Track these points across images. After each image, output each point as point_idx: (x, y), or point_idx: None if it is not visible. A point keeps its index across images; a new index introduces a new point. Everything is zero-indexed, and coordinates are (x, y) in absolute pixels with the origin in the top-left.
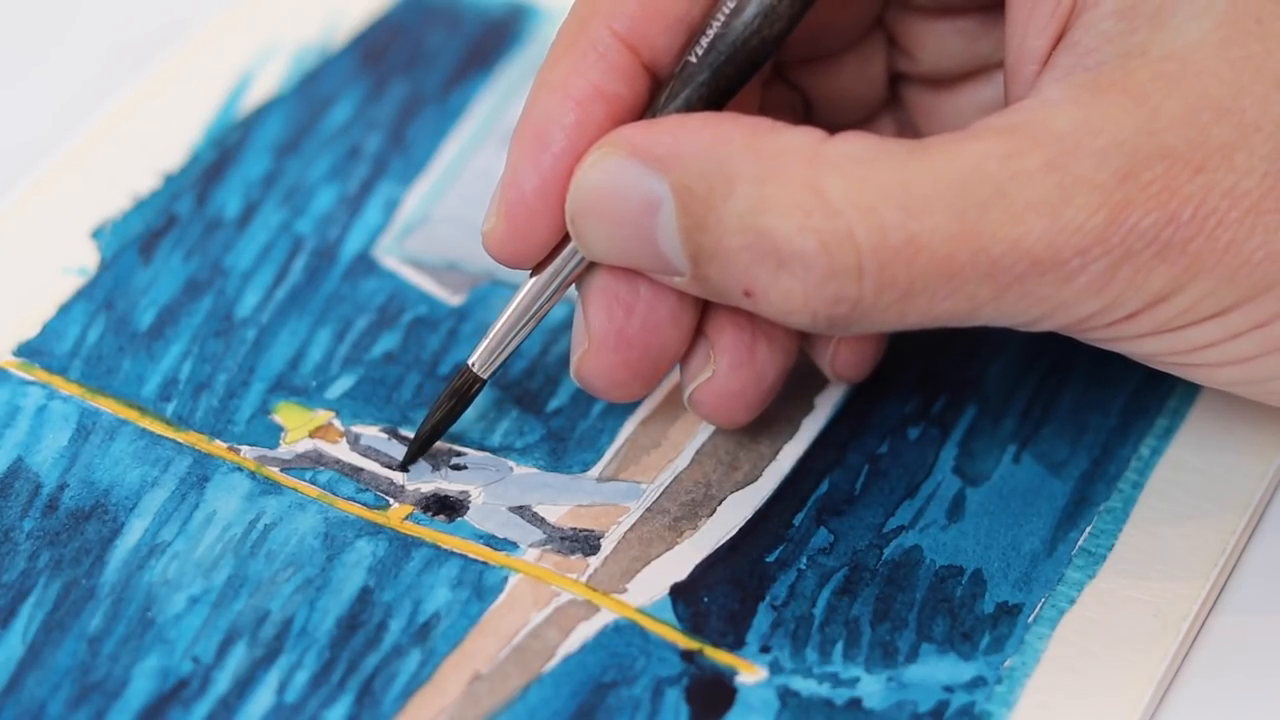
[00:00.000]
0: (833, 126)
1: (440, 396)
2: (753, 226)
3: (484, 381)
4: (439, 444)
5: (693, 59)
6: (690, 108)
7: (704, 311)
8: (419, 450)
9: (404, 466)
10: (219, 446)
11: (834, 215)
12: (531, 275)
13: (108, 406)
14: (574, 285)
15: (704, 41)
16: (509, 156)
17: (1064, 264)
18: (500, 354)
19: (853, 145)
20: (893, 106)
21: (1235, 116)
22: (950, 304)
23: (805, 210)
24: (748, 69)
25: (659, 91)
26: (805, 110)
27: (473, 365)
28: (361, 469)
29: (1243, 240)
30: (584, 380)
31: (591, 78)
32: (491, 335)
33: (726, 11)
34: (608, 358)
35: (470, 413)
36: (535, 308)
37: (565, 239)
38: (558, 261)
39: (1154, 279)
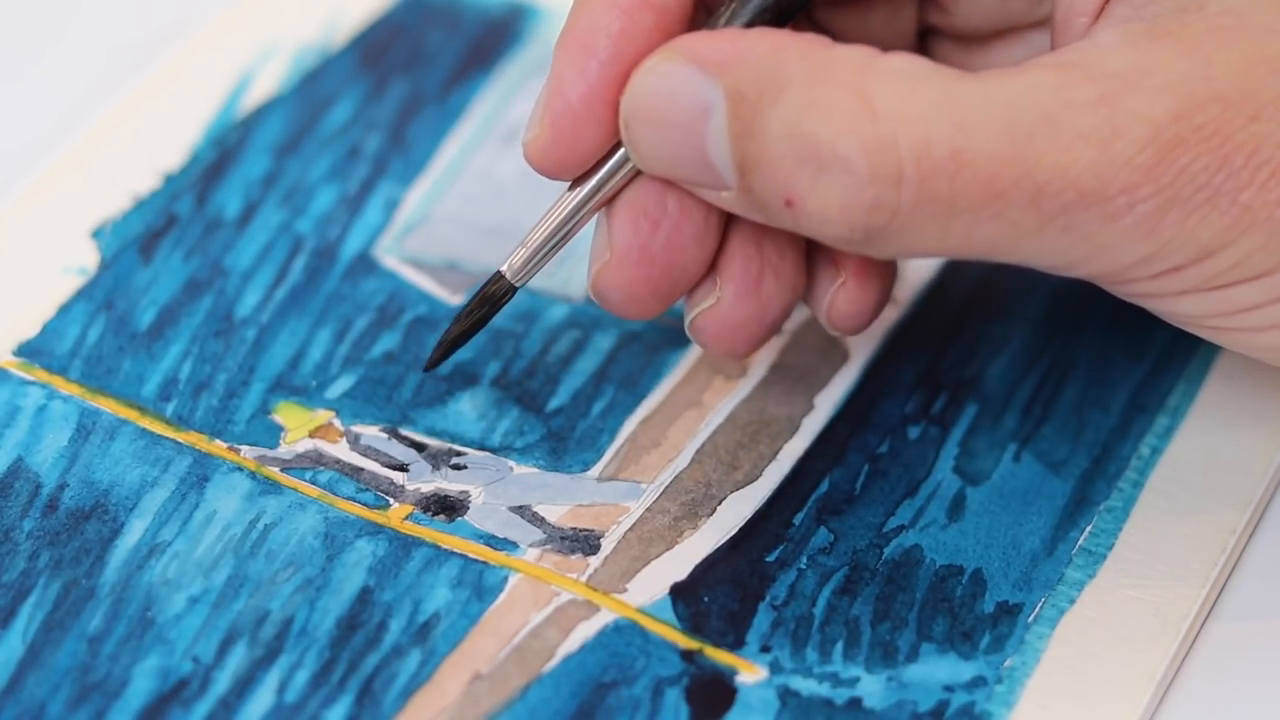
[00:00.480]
0: None
1: (470, 301)
2: (797, 131)
3: (515, 290)
4: (439, 444)
5: None
6: (750, 26)
7: None
8: (443, 355)
9: (427, 369)
10: (219, 446)
11: (878, 121)
12: (570, 188)
13: (108, 406)
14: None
15: None
16: (554, 65)
17: (1110, 199)
18: (535, 265)
19: (905, 62)
20: None
21: None
22: (992, 229)
23: (850, 115)
24: None
25: (719, 10)
26: None
27: (506, 272)
28: (361, 469)
29: None
30: (601, 293)
31: None
32: (528, 244)
33: None
34: (629, 271)
35: (470, 413)
36: (573, 220)
37: (607, 152)
38: (600, 175)
39: (1203, 228)
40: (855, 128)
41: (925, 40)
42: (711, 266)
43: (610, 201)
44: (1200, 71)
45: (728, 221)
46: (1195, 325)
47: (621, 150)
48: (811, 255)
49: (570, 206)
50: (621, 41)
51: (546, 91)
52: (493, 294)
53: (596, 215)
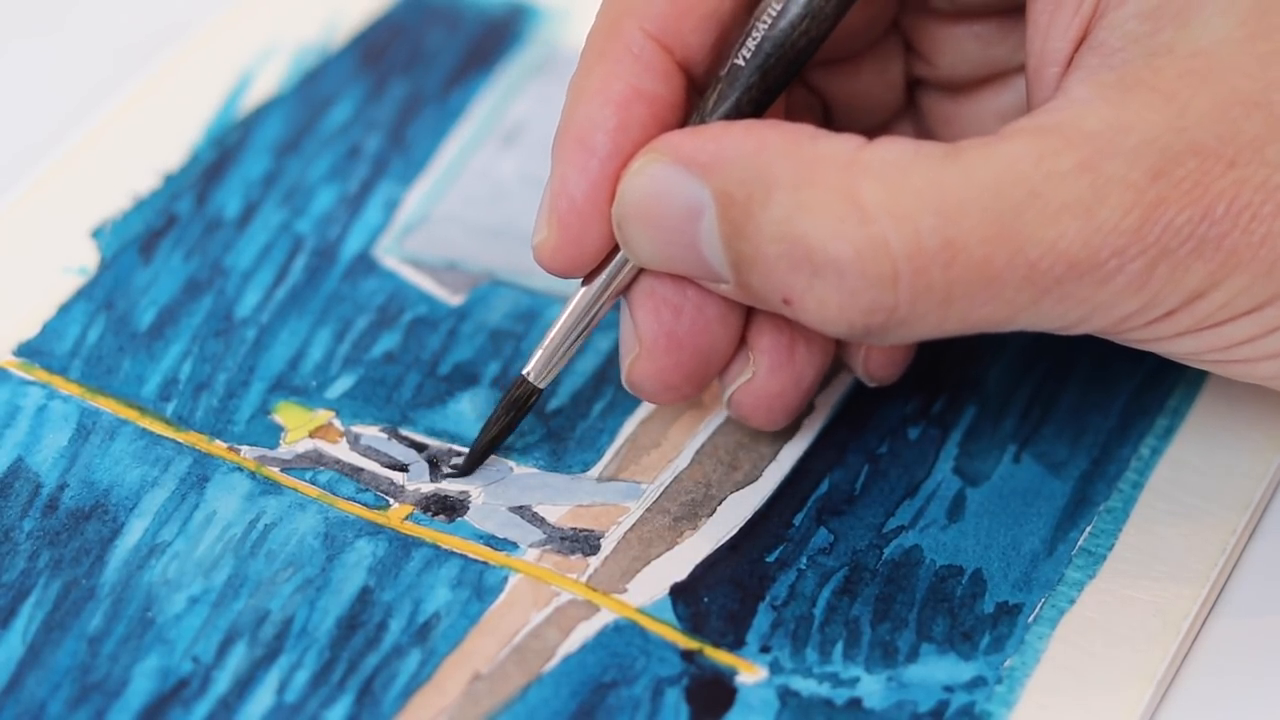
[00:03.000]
0: (852, 132)
1: (497, 408)
2: (789, 234)
3: (540, 391)
4: (439, 444)
5: (740, 61)
6: (740, 109)
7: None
8: (476, 462)
9: (463, 474)
10: (219, 446)
11: (868, 222)
12: (583, 284)
13: (108, 406)
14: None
15: (750, 44)
16: (554, 165)
17: (1101, 265)
18: (556, 364)
19: (889, 151)
20: (911, 112)
21: (1265, 110)
22: (989, 310)
23: (840, 217)
24: (794, 69)
25: (707, 94)
26: (824, 115)
27: (529, 376)
28: (361, 469)
29: (1278, 234)
30: (636, 385)
31: (629, 79)
32: (547, 345)
33: (773, 13)
34: (659, 360)
35: (470, 413)
36: (589, 316)
37: (617, 246)
38: (610, 269)
39: (1191, 276)
40: (845, 232)
41: (913, 91)
42: (742, 341)
43: (628, 292)
44: (1175, 123)
45: (747, 308)
46: (1196, 361)
47: None
48: None
49: (585, 302)
50: (619, 136)
51: (550, 193)
52: (518, 398)
53: (620, 308)
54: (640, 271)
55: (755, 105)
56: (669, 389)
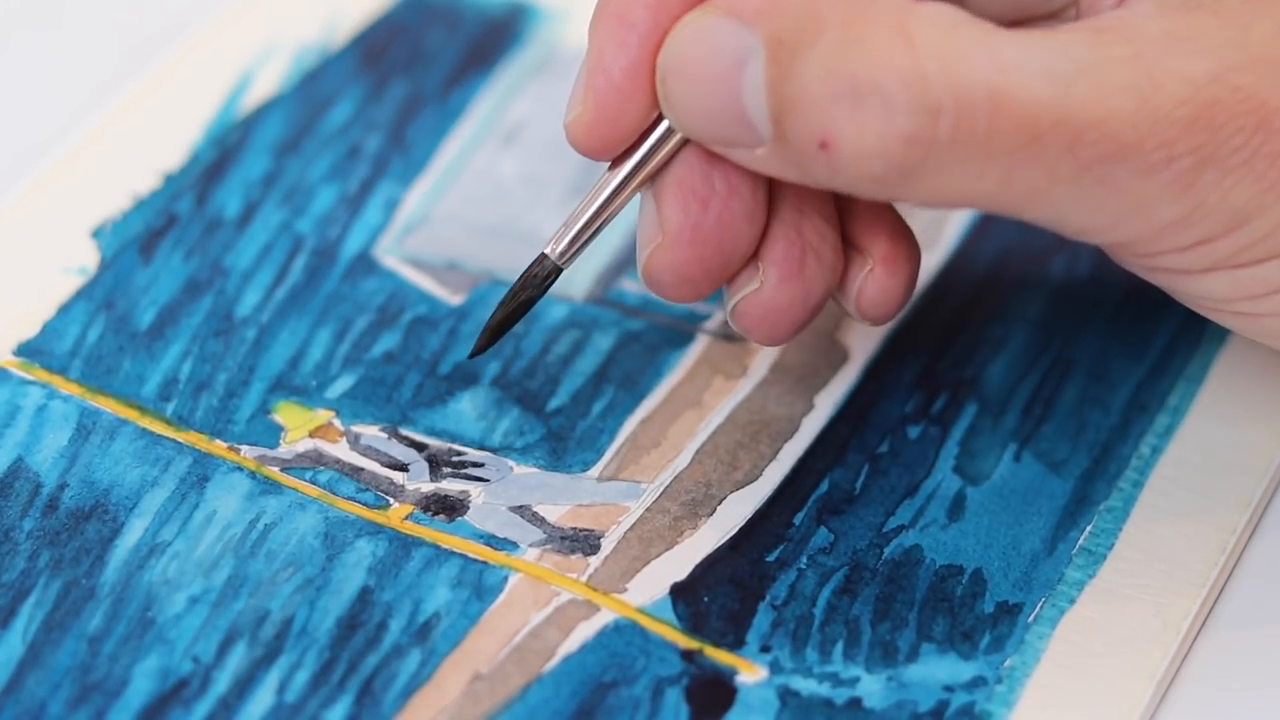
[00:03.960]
0: None
1: (514, 284)
2: (836, 68)
3: (559, 271)
4: (439, 444)
5: None
6: None
7: None
8: (489, 341)
9: (472, 356)
10: (219, 446)
11: (917, 54)
12: (611, 168)
13: (108, 406)
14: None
15: None
16: (591, 42)
17: (1147, 152)
18: (579, 246)
19: (944, 8)
20: None
21: None
22: (1027, 174)
23: (889, 49)
24: None
25: None
26: None
27: (550, 254)
28: (361, 469)
29: None
30: (654, 276)
31: None
32: (571, 224)
33: None
34: (682, 252)
35: (470, 413)
36: (616, 199)
37: (647, 130)
38: (641, 151)
39: (1238, 191)
40: (894, 61)
41: None
42: (753, 256)
43: (654, 182)
44: (1237, 39)
45: (769, 207)
46: (1219, 309)
47: (662, 126)
48: None
49: (614, 185)
50: (659, 12)
51: (587, 69)
52: (536, 275)
53: (642, 200)
54: (670, 158)
55: None
56: (686, 282)
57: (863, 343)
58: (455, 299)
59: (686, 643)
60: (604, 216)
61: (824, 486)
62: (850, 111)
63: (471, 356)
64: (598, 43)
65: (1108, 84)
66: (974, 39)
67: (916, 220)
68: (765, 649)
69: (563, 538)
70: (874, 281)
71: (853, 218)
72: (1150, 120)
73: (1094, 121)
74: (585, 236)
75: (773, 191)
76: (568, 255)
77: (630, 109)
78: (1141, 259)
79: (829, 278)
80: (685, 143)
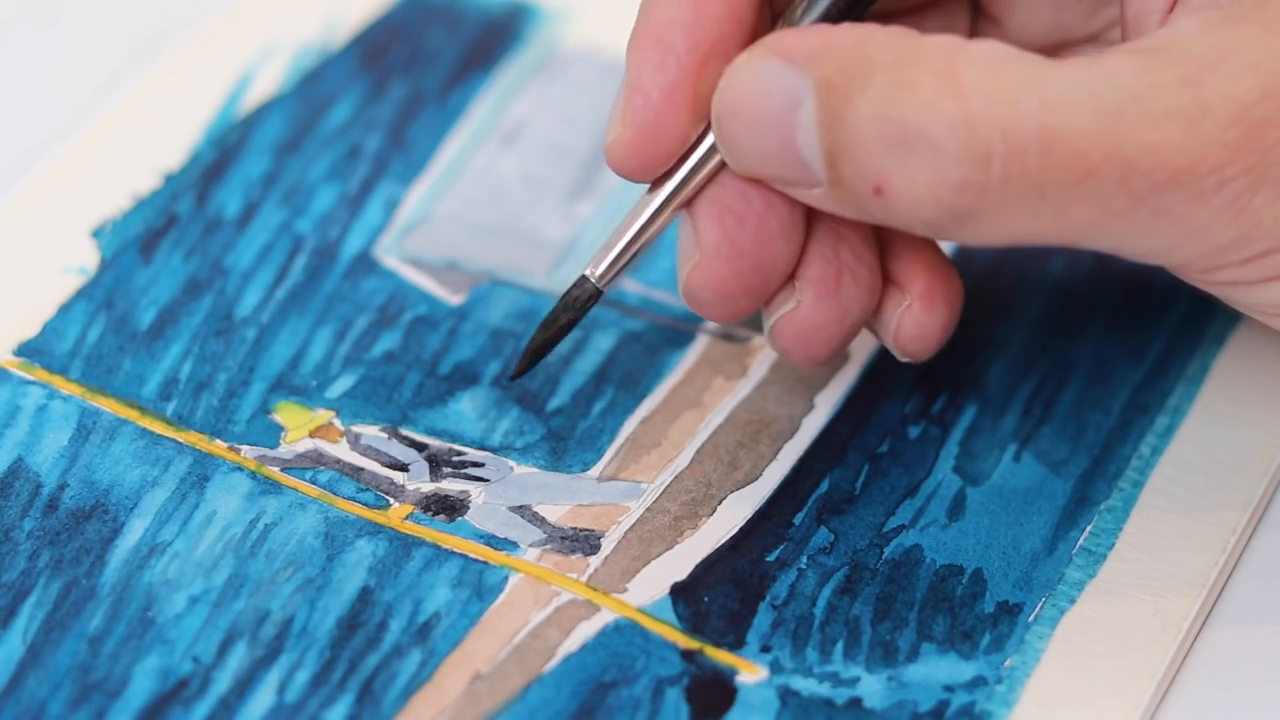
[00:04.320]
0: None
1: (555, 307)
2: (886, 113)
3: (600, 294)
4: (439, 444)
5: None
6: (828, 19)
7: None
8: (530, 362)
9: (513, 378)
10: (219, 446)
11: (965, 99)
12: (650, 189)
13: (108, 406)
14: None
15: None
16: (630, 64)
17: (1200, 178)
18: (619, 267)
19: (991, 46)
20: None
21: None
22: (1082, 211)
23: (937, 94)
24: None
25: (793, 5)
26: None
27: (592, 276)
28: (362, 469)
29: None
30: (693, 294)
31: None
32: (611, 246)
33: None
34: (720, 269)
35: (470, 413)
36: (657, 221)
37: (686, 152)
38: (680, 174)
39: None
40: (942, 106)
41: None
42: (790, 276)
43: (691, 203)
44: None
45: (806, 226)
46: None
47: (701, 147)
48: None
49: (655, 206)
50: (695, 33)
51: (626, 91)
52: (577, 298)
53: (679, 219)
54: (709, 179)
55: (842, 17)
56: (725, 299)
57: (863, 343)
58: (455, 299)
59: (687, 643)
60: (644, 238)
61: (824, 486)
62: (901, 159)
63: (512, 379)
64: (635, 64)
65: (1156, 111)
66: (1021, 77)
67: None
68: (765, 649)
69: (563, 538)
70: (911, 317)
71: (893, 252)
72: (1201, 145)
73: (1145, 151)
74: (626, 258)
75: (810, 212)
76: (608, 278)
77: (669, 131)
78: (1200, 274)
79: (866, 299)
80: (724, 164)
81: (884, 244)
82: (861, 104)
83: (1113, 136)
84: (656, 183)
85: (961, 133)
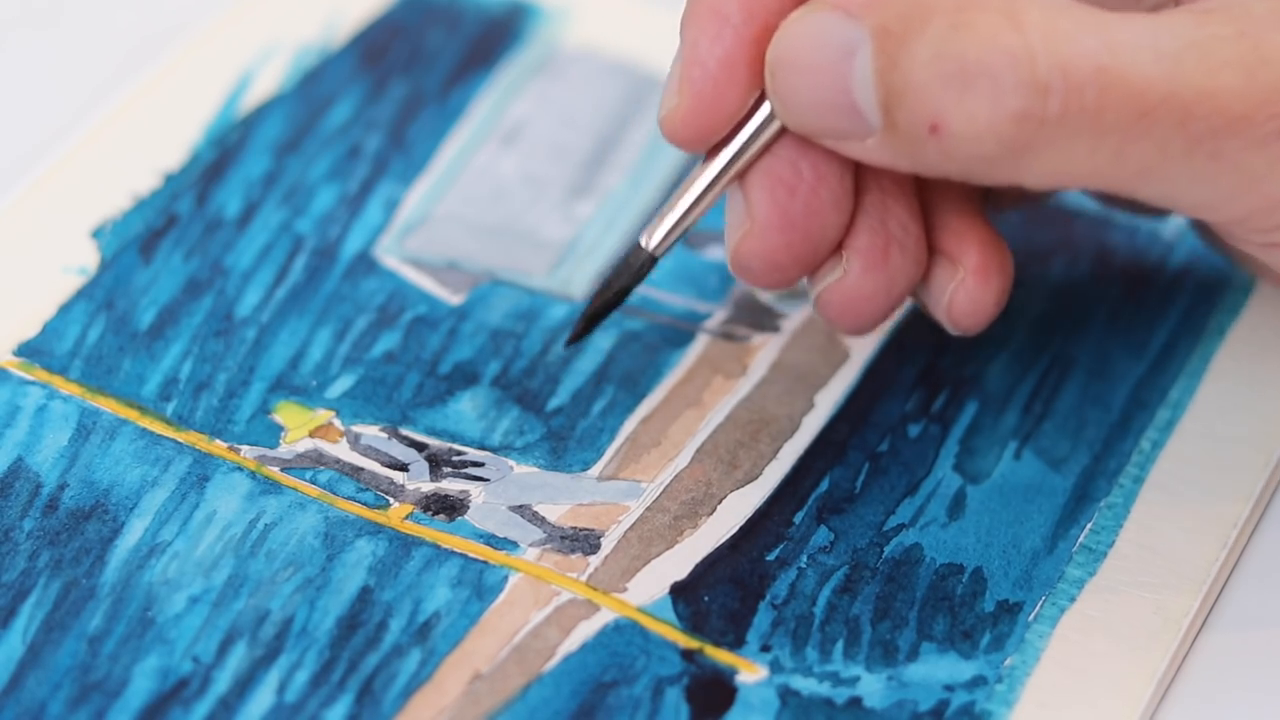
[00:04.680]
0: None
1: (610, 273)
2: (944, 52)
3: (655, 261)
4: (439, 443)
5: None
6: None
7: None
8: (586, 329)
9: (569, 344)
10: (219, 446)
11: (1025, 33)
12: (705, 159)
13: (108, 406)
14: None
15: None
16: (685, 35)
17: (1259, 125)
18: (674, 235)
19: None
20: None
21: None
22: (1139, 150)
23: (996, 30)
24: None
25: None
26: None
27: (646, 244)
28: (362, 468)
29: None
30: (743, 263)
31: None
32: (667, 214)
33: None
34: (771, 239)
35: (470, 413)
36: (713, 189)
37: (741, 122)
38: (740, 140)
39: None
40: (1001, 41)
41: None
42: (838, 246)
43: (743, 175)
44: None
45: (855, 197)
46: None
47: (756, 118)
48: (931, 254)
49: (712, 174)
50: (753, 3)
51: (682, 61)
52: (633, 263)
53: (728, 192)
54: (764, 150)
55: None
56: (775, 269)
57: (863, 341)
58: (455, 299)
59: (687, 642)
60: (701, 206)
61: (824, 485)
62: (959, 94)
63: (568, 344)
64: (692, 36)
65: (1215, 59)
66: (1081, 20)
67: None
68: (765, 648)
69: (563, 537)
70: (965, 291)
71: (943, 225)
72: (1259, 93)
73: (1203, 96)
74: (682, 228)
75: (858, 183)
76: (664, 246)
77: (726, 100)
78: (1256, 234)
79: (912, 270)
80: (781, 133)
81: (934, 217)
82: (918, 47)
83: (1171, 80)
84: (710, 153)
85: (1022, 64)
